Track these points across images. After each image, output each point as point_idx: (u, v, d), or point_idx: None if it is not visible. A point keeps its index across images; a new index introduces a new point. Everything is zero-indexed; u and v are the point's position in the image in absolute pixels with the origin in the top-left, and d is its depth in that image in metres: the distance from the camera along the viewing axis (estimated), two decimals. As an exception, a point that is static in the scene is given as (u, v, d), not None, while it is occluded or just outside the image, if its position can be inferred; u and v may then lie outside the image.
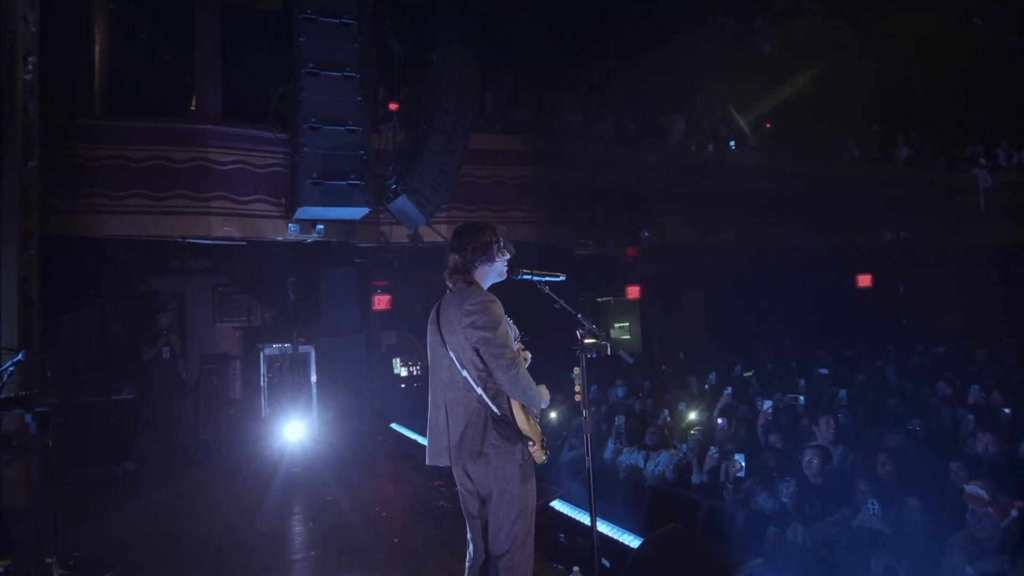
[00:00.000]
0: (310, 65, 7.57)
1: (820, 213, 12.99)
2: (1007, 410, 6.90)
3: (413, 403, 11.90)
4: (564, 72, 11.12)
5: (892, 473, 5.39)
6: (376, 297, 11.89)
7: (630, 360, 3.52)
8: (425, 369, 13.99)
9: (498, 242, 3.17)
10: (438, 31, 8.43)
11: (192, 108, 8.86)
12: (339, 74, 7.68)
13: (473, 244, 3.12)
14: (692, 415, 7.83)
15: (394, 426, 9.33)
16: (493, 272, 3.21)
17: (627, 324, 16.37)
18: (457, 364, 2.98)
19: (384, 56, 9.03)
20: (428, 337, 3.20)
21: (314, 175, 7.61)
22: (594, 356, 3.46)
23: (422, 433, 8.56)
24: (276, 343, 9.19)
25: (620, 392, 9.44)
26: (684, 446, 6.70)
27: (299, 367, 9.25)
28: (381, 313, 12.11)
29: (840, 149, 13.85)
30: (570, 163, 10.66)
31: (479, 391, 2.95)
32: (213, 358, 10.56)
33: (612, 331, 16.78)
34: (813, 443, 5.69)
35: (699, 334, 13.91)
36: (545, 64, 11.03)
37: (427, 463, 3.16)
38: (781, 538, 5.14)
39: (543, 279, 3.39)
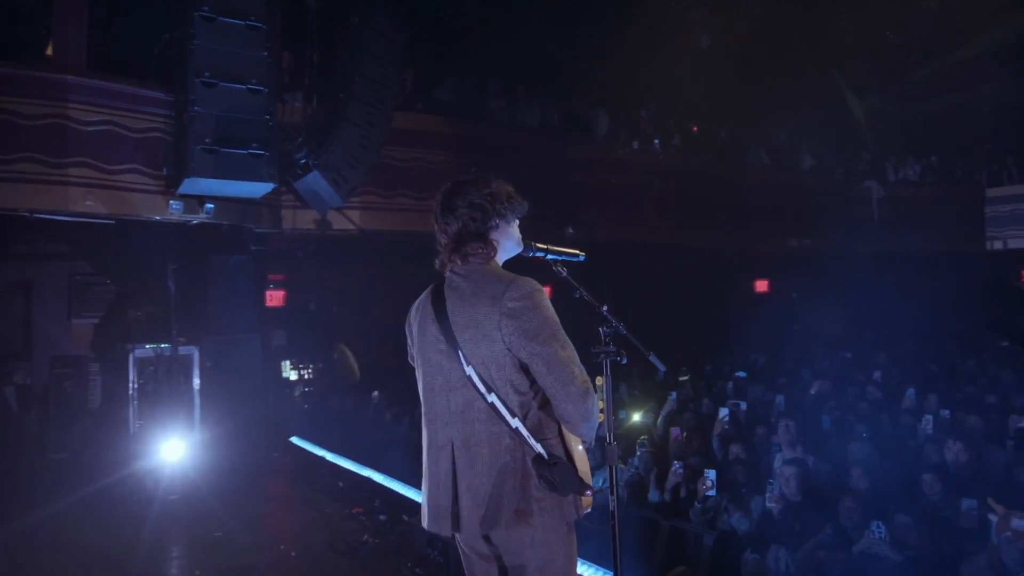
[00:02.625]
0: (205, 8, 6.27)
1: (735, 217, 13.06)
2: (945, 412, 6.85)
3: (312, 412, 10.69)
4: (490, 55, 10.34)
5: (868, 487, 5.03)
6: (269, 292, 10.59)
7: (662, 368, 2.75)
8: (319, 373, 12.73)
9: (516, 194, 2.30)
10: (362, -12, 7.37)
11: (49, 54, 7.23)
12: (242, 22, 6.44)
13: (493, 194, 2.22)
14: (636, 416, 7.25)
15: (295, 440, 8.10)
16: (512, 241, 2.33)
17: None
18: (479, 385, 2.04)
19: (292, 14, 7.81)
20: (417, 344, 2.24)
21: (207, 140, 6.32)
22: (623, 362, 2.62)
23: (331, 449, 7.46)
24: (151, 343, 7.69)
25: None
26: (634, 459, 6.07)
27: (179, 372, 7.80)
28: (273, 310, 10.83)
29: (752, 155, 14.04)
30: (495, 151, 9.87)
31: (514, 423, 2.02)
32: (67, 361, 8.83)
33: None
34: (789, 456, 5.22)
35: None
36: (470, 44, 10.18)
37: (425, 527, 2.20)
38: (762, 566, 4.60)
39: (560, 257, 2.57)
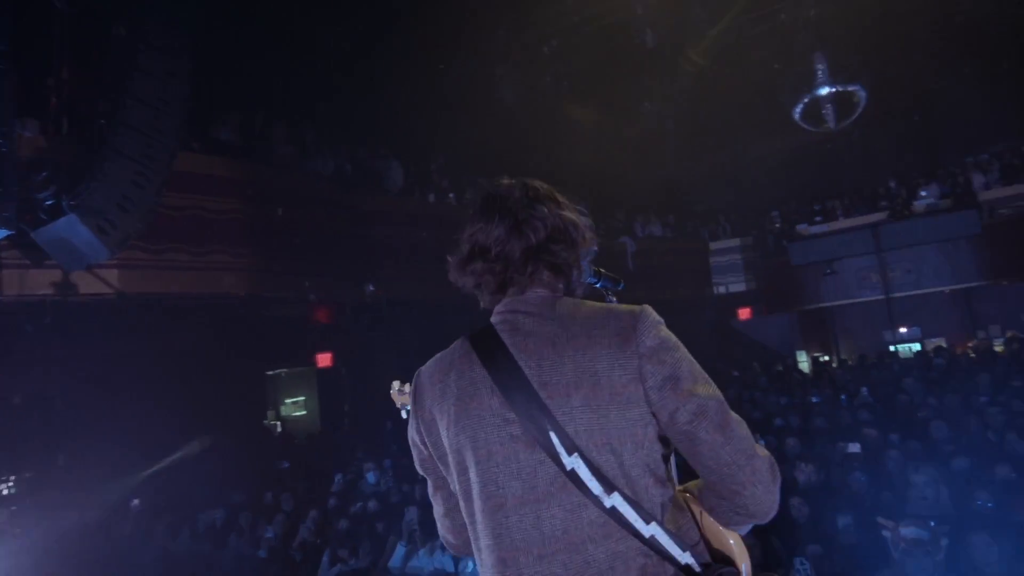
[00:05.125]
0: (-102, -14, 4.46)
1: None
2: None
3: (36, 538, 8.08)
4: (275, 96, 9.25)
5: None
6: (-29, 384, 7.99)
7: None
8: (28, 485, 10.05)
9: None
10: (130, -8, 5.94)
11: None
12: (-41, 14, 4.71)
13: (585, 229, 1.54)
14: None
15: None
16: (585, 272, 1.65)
17: (302, 399, 14.51)
18: (591, 482, 1.30)
19: (30, 21, 6.03)
20: (457, 431, 1.40)
21: (-100, 169, 4.40)
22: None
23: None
24: None
25: (372, 477, 7.65)
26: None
27: None
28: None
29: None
30: (285, 200, 8.72)
31: (649, 530, 1.31)
32: None
33: (283, 408, 14.64)
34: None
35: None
36: (252, 82, 8.97)
37: None
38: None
39: (609, 284, 2.00)
